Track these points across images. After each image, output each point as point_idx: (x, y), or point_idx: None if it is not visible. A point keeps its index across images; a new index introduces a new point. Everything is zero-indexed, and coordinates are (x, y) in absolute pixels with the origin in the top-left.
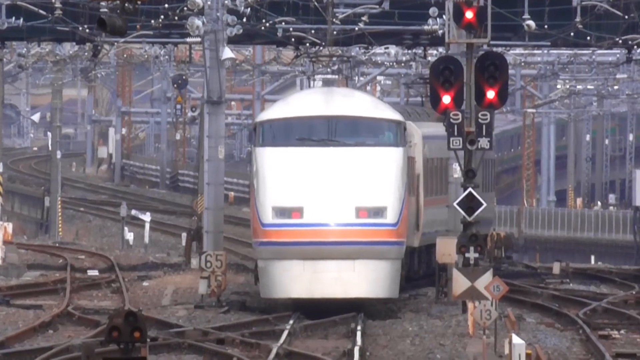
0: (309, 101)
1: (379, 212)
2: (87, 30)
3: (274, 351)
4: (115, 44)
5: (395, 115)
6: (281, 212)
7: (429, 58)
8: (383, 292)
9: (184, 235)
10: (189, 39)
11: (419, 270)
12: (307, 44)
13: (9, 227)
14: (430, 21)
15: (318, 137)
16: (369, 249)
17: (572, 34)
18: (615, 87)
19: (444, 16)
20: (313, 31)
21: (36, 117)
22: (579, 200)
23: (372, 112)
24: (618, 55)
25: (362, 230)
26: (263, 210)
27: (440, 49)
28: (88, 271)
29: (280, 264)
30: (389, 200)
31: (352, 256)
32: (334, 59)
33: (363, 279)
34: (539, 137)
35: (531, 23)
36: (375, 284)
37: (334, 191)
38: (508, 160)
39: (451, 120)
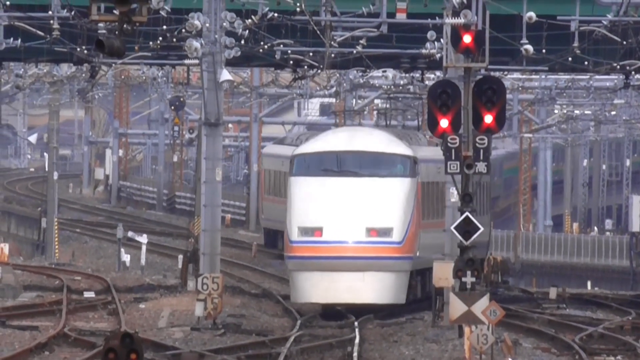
0: (335, 138)
1: (386, 232)
2: (85, 52)
3: None
4: (113, 65)
5: (407, 151)
6: (305, 231)
7: (427, 82)
8: (388, 298)
9: (180, 257)
10: (186, 61)
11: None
12: (305, 67)
13: (5, 247)
14: (428, 45)
15: (340, 168)
16: (377, 262)
17: (569, 59)
18: (613, 113)
19: (441, 40)
20: (311, 54)
21: (33, 138)
22: (575, 226)
23: (385, 148)
24: (616, 81)
25: (371, 247)
26: (291, 229)
27: (438, 73)
28: (84, 293)
29: (303, 274)
30: (395, 221)
31: (362, 269)
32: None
33: (371, 288)
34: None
35: (529, 48)
36: (382, 292)
37: (349, 214)
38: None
39: (448, 144)
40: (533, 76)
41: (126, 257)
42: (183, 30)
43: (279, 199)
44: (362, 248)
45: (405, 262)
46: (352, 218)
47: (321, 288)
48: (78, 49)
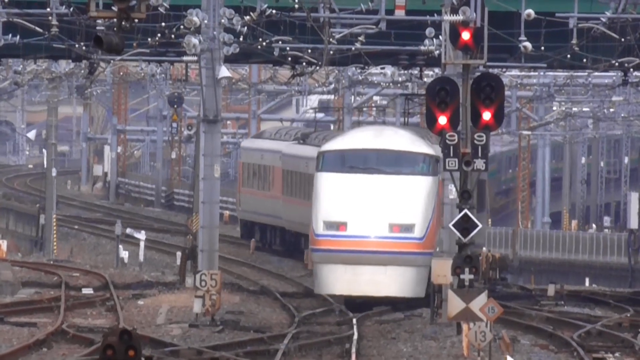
0: (361, 137)
1: (408, 228)
2: (84, 48)
3: None
4: (112, 61)
5: (429, 150)
6: (330, 225)
7: (425, 79)
8: (409, 292)
9: (178, 254)
10: (185, 58)
11: None
12: (304, 63)
13: (4, 244)
14: (426, 42)
15: (364, 165)
16: (399, 257)
17: (568, 56)
18: (611, 110)
19: (440, 37)
20: (309, 51)
21: (32, 134)
22: (574, 223)
23: (409, 147)
24: (614, 78)
25: (393, 242)
26: (317, 223)
27: (437, 70)
28: (83, 289)
29: (327, 267)
30: (416, 218)
31: (384, 263)
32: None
33: (392, 282)
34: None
35: (527, 44)
36: (403, 285)
37: (372, 210)
38: (503, 182)
39: (447, 141)
40: (531, 73)
41: (124, 254)
42: (181, 26)
43: (257, 191)
44: (385, 243)
45: (425, 257)
46: (375, 214)
47: (344, 280)
48: (76, 46)
